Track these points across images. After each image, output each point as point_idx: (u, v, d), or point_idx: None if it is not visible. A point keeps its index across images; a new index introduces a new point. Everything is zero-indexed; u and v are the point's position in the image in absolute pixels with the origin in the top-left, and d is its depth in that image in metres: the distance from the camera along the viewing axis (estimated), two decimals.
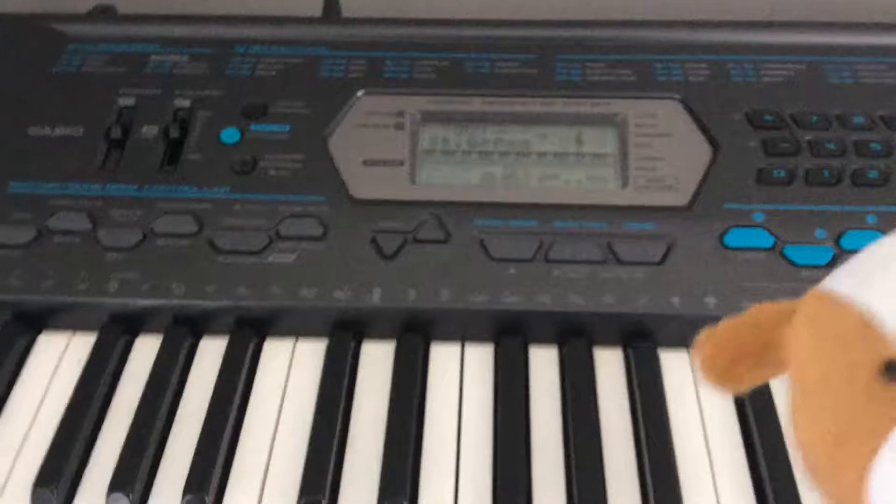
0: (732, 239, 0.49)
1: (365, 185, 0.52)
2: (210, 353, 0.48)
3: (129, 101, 0.54)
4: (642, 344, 0.48)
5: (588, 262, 0.49)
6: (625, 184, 0.52)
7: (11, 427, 0.45)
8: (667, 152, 0.53)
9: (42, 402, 0.46)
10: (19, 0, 0.64)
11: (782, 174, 0.51)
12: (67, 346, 0.49)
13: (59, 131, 0.53)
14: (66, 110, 0.54)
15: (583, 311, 0.47)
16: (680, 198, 0.51)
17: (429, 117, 0.55)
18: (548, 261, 0.49)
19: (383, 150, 0.53)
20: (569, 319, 0.48)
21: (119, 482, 0.42)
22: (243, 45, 0.57)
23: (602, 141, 0.54)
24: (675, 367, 0.48)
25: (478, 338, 0.49)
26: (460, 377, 0.48)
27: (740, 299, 0.47)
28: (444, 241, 0.50)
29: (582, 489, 0.42)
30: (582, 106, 0.55)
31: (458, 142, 0.54)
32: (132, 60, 0.56)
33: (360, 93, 0.55)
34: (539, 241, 0.49)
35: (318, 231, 0.50)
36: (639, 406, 0.46)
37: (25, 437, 0.45)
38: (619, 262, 0.49)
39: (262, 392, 0.47)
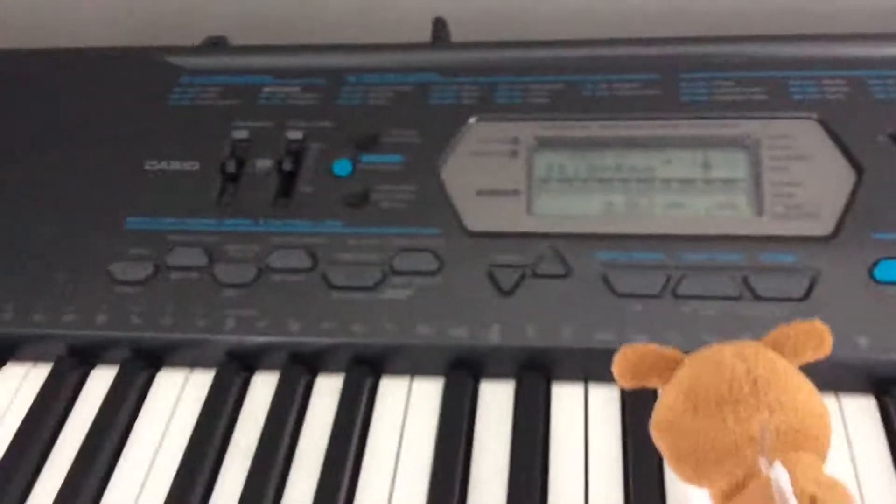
0: (883, 272, 0.45)
1: (480, 216, 0.50)
2: (326, 392, 0.47)
3: (243, 134, 0.54)
4: None
5: (722, 297, 0.45)
6: (759, 211, 0.49)
7: (133, 464, 0.46)
8: (805, 177, 0.49)
9: (162, 439, 0.46)
10: (130, 33, 0.65)
11: None
12: (186, 382, 0.49)
13: (175, 165, 0.54)
14: (181, 144, 0.54)
15: None
16: (822, 226, 0.47)
17: (544, 143, 0.52)
18: (677, 296, 0.46)
19: (497, 179, 0.51)
20: None
21: None
22: (354, 73, 0.56)
23: (732, 165, 0.51)
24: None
25: (602, 378, 0.46)
26: (585, 419, 0.45)
27: (894, 338, 0.43)
28: (565, 276, 0.47)
29: None
30: (709, 128, 0.52)
31: (576, 169, 0.52)
32: (245, 92, 0.56)
33: (472, 120, 0.54)
34: (667, 275, 0.46)
35: (434, 265, 0.48)
36: None
37: (147, 475, 0.45)
38: (757, 297, 0.45)
39: (379, 433, 0.45)
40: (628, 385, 0.36)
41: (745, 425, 0.29)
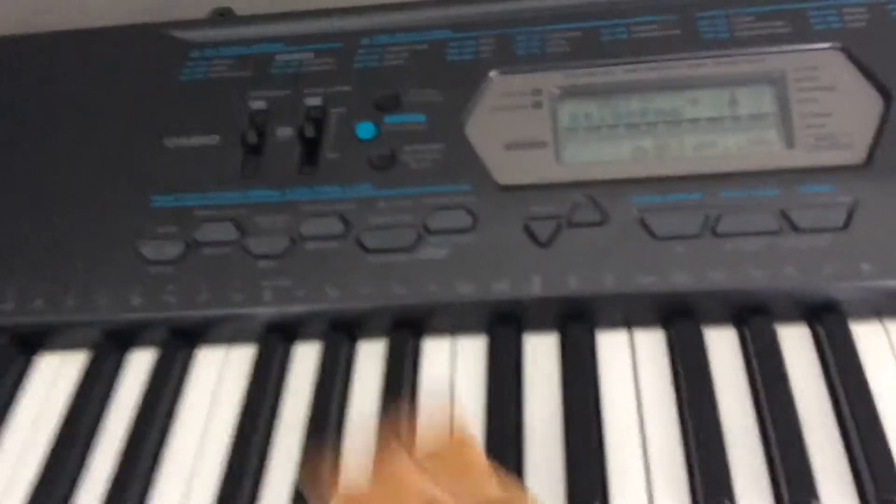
0: None
1: (509, 169, 0.49)
2: (370, 358, 0.47)
3: (261, 104, 0.53)
4: (830, 317, 0.44)
5: (762, 232, 0.45)
6: (791, 144, 0.48)
7: (182, 447, 0.45)
8: (833, 107, 0.49)
9: (209, 419, 0.46)
10: (134, 11, 0.64)
11: None
12: (226, 359, 0.48)
13: (195, 140, 0.53)
14: (199, 118, 0.53)
15: (763, 286, 0.44)
16: (855, 155, 0.47)
17: (567, 93, 0.52)
18: (717, 235, 0.45)
19: (523, 131, 0.51)
20: (747, 297, 0.44)
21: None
22: (367, 35, 0.55)
23: (759, 100, 0.50)
24: (870, 339, 0.44)
25: (646, 322, 0.46)
26: (633, 365, 0.45)
27: None
28: (601, 223, 0.47)
29: (791, 478, 0.39)
30: (733, 64, 0.51)
31: (602, 116, 0.51)
32: (257, 62, 0.55)
33: (492, 74, 0.53)
34: (705, 214, 0.46)
35: (468, 222, 0.48)
36: (837, 384, 0.42)
37: (197, 457, 0.44)
38: (797, 230, 0.45)
39: (428, 391, 0.45)
40: None
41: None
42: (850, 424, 0.40)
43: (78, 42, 0.58)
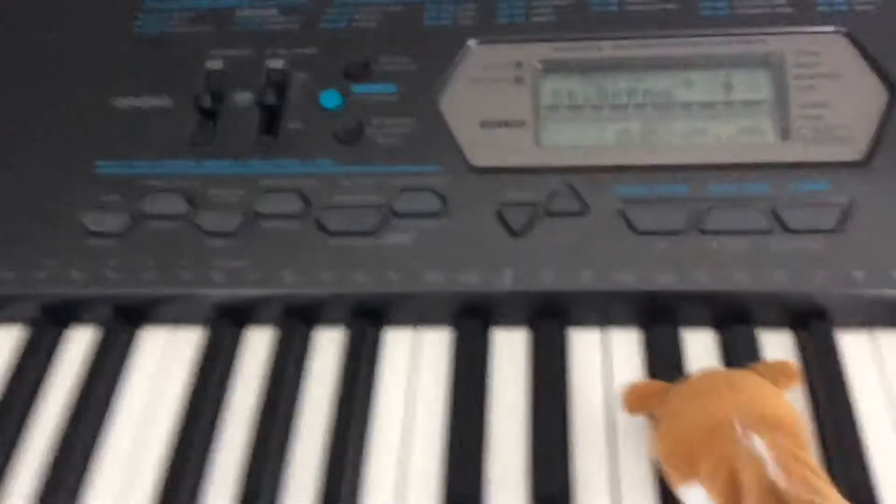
0: None
1: (484, 150, 0.46)
2: (327, 347, 0.44)
3: (218, 65, 0.49)
4: (818, 325, 0.42)
5: (751, 231, 0.42)
6: (785, 136, 0.45)
7: (122, 431, 0.42)
8: (834, 97, 0.46)
9: (152, 403, 0.43)
10: None
11: None
12: (172, 340, 0.45)
13: (146, 102, 0.48)
14: (151, 77, 0.49)
15: (748, 289, 0.41)
16: (854, 151, 0.44)
17: (551, 67, 0.48)
18: (702, 232, 0.42)
19: (501, 108, 0.47)
20: (731, 300, 0.41)
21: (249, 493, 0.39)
22: None
23: (755, 85, 0.47)
24: (855, 350, 0.42)
25: (622, 322, 0.43)
26: (606, 366, 0.42)
27: None
28: (581, 213, 0.44)
29: None
30: (730, 45, 0.47)
31: (587, 95, 0.47)
32: (217, 17, 0.51)
33: (471, 43, 0.49)
34: (691, 209, 0.43)
35: (437, 206, 0.44)
36: (820, 396, 0.40)
37: (137, 442, 0.42)
38: (788, 230, 0.42)
39: (386, 388, 0.42)
40: (633, 413, 0.39)
41: (726, 407, 0.33)
42: (830, 435, 0.38)
43: None
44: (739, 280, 0.41)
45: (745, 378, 0.35)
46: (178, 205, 0.45)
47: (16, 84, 0.50)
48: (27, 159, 0.47)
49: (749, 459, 0.31)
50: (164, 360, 0.44)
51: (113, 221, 0.45)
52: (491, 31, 0.49)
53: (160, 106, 0.48)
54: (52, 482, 0.40)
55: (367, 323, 0.44)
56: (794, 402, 0.39)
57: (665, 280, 0.42)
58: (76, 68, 0.50)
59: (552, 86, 0.48)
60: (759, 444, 0.31)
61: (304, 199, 0.45)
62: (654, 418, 0.38)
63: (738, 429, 0.32)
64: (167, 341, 0.45)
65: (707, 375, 0.36)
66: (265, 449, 0.40)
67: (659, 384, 0.38)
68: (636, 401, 0.38)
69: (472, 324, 0.43)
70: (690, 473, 0.34)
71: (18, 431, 0.43)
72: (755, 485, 0.30)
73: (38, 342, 0.45)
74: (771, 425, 0.33)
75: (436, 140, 0.46)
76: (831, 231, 0.42)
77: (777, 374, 0.37)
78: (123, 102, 0.49)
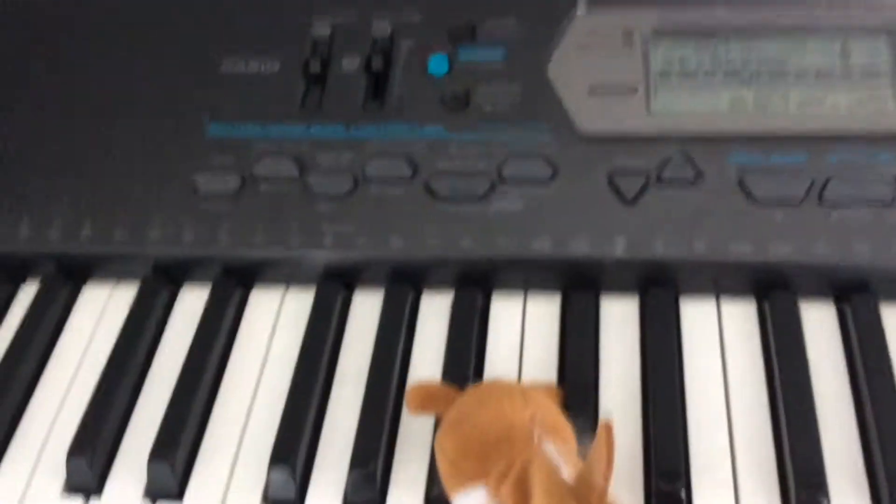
0: None
1: (594, 116, 0.45)
2: (434, 311, 0.44)
3: (325, 31, 0.49)
4: None
5: (873, 202, 0.41)
6: None
7: (237, 387, 0.43)
8: None
9: (265, 362, 0.44)
10: None
11: None
12: (283, 301, 0.46)
13: (253, 67, 0.49)
14: (257, 42, 0.49)
15: (869, 262, 0.40)
16: None
17: (662, 33, 0.47)
18: (822, 203, 0.42)
19: (611, 74, 0.46)
20: (852, 273, 0.41)
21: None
22: None
23: (874, 54, 0.45)
24: None
25: (737, 293, 0.43)
26: (720, 337, 0.42)
27: None
28: (694, 181, 0.43)
29: (888, 456, 0.36)
30: (848, 11, 0.46)
31: (700, 61, 0.46)
32: None
33: (580, 6, 0.48)
34: (810, 179, 0.42)
35: (547, 172, 0.44)
36: None
37: (253, 399, 0.42)
38: None
39: (496, 353, 0.42)
40: (415, 412, 0.40)
41: (519, 413, 0.35)
42: None
43: None
44: (860, 252, 0.40)
45: (535, 390, 0.37)
46: (288, 168, 0.46)
47: (124, 50, 0.51)
48: (140, 123, 0.48)
49: (542, 463, 0.33)
50: (276, 320, 0.45)
51: (224, 183, 0.46)
52: None
53: (269, 70, 0.49)
54: (172, 436, 0.41)
55: (475, 289, 0.44)
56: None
57: (784, 251, 0.41)
58: (185, 32, 0.51)
59: (664, 51, 0.47)
60: (552, 449, 0.34)
61: (412, 164, 0.45)
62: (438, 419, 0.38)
63: (536, 434, 0.34)
64: (278, 303, 0.46)
65: (498, 383, 0.38)
66: (376, 410, 0.40)
67: (445, 388, 0.39)
68: (420, 401, 0.39)
69: (582, 292, 0.43)
70: (477, 475, 0.34)
71: (133, 390, 0.43)
72: (546, 487, 0.32)
73: (151, 301, 0.46)
74: (558, 434, 0.35)
75: (545, 106, 0.46)
76: None
77: (549, 393, 0.39)
78: (231, 67, 0.49)
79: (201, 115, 0.48)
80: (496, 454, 0.34)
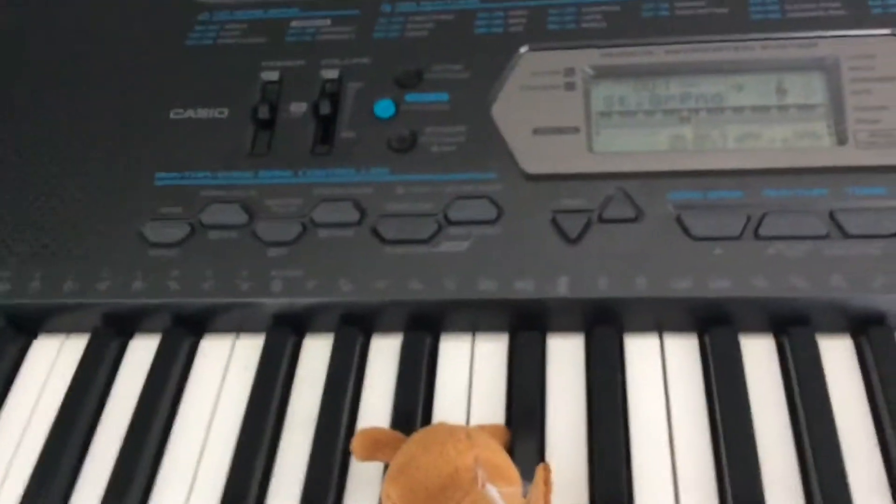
0: None
1: (537, 157, 0.46)
2: (384, 353, 0.44)
3: (273, 75, 0.50)
4: (878, 331, 0.41)
5: (809, 237, 0.42)
6: (842, 140, 0.45)
7: (188, 439, 0.43)
8: (891, 100, 0.45)
9: (214, 410, 0.44)
10: None
11: None
12: (233, 348, 0.46)
13: (202, 113, 0.49)
14: (206, 89, 0.50)
15: (807, 296, 0.41)
16: None
17: (602, 73, 0.48)
18: (759, 238, 0.42)
19: (554, 115, 0.47)
20: (790, 306, 0.41)
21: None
22: (389, 2, 0.51)
23: (809, 89, 0.47)
24: None
25: (679, 328, 0.43)
26: (663, 372, 0.42)
27: None
28: (635, 219, 0.44)
29: (827, 493, 0.36)
30: (783, 49, 0.47)
31: (639, 100, 0.47)
32: (271, 28, 0.51)
33: (522, 49, 0.49)
34: (746, 214, 0.43)
35: (492, 213, 0.45)
36: (881, 403, 0.40)
37: (202, 449, 0.42)
38: (847, 235, 0.42)
39: (444, 394, 0.43)
40: (361, 459, 0.40)
41: (463, 456, 0.36)
42: (892, 441, 0.38)
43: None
44: (798, 286, 0.41)
45: (480, 432, 0.38)
46: (236, 215, 0.46)
47: (73, 98, 0.51)
48: (87, 172, 0.48)
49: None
50: (225, 368, 0.45)
51: (172, 232, 0.46)
52: (542, 37, 0.49)
53: (216, 117, 0.49)
54: (123, 483, 0.41)
55: (424, 331, 0.44)
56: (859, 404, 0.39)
57: (723, 286, 0.42)
58: (133, 81, 0.51)
59: (604, 92, 0.48)
60: (494, 492, 0.35)
61: (360, 208, 0.45)
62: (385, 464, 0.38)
63: (480, 477, 0.35)
64: (229, 350, 0.46)
65: (442, 427, 0.39)
66: (326, 455, 0.41)
67: (391, 433, 0.39)
68: (366, 448, 0.39)
69: (528, 331, 0.44)
70: None
71: (84, 440, 0.43)
72: None
73: (102, 351, 0.46)
74: (502, 475, 0.36)
75: (489, 148, 0.46)
76: (892, 236, 0.42)
77: (496, 434, 0.40)
78: (180, 114, 0.50)
79: (150, 163, 0.48)
80: (442, 498, 0.35)
